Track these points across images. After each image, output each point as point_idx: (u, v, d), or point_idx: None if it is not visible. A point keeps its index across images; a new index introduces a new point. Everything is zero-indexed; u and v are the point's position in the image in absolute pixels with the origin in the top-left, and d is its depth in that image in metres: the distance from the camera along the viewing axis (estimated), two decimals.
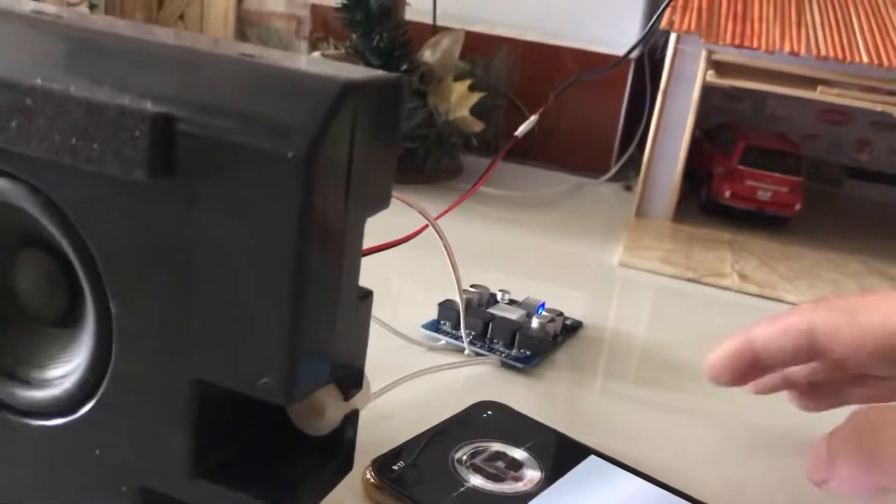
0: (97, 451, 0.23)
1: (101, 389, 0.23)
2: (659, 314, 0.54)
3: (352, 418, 0.25)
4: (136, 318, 0.22)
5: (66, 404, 0.23)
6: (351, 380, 0.24)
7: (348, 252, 0.21)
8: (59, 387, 0.23)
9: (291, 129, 0.19)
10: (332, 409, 0.24)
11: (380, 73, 0.21)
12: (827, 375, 0.35)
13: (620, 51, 0.71)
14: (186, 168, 0.20)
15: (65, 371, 0.24)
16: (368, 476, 0.29)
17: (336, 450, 0.25)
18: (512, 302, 0.46)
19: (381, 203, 0.23)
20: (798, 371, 0.36)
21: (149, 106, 0.20)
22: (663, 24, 0.64)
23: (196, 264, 0.20)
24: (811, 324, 0.31)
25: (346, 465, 0.25)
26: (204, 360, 0.21)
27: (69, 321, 0.24)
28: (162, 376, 0.22)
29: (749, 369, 0.33)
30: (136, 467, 0.23)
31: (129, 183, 0.20)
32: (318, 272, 0.20)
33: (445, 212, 0.49)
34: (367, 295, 0.24)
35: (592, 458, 0.32)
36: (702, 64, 0.65)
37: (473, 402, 0.35)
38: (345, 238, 0.21)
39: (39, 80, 0.20)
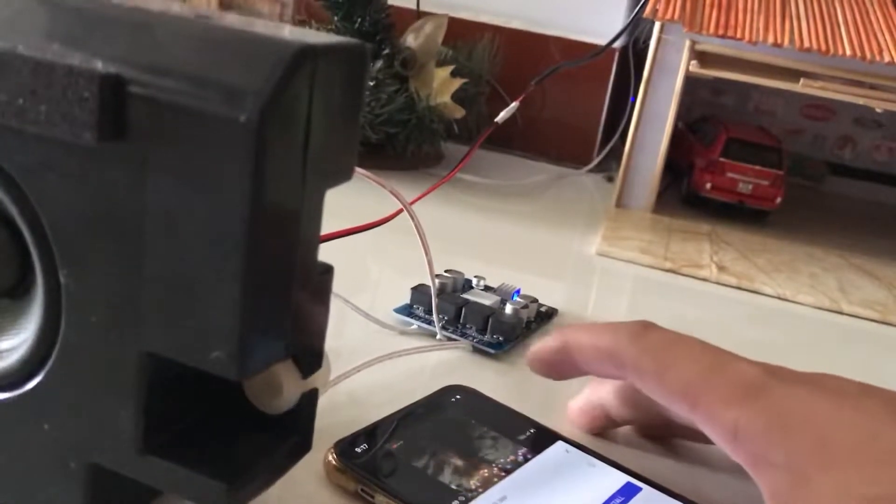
0: (45, 427, 0.22)
1: (50, 362, 0.22)
2: (636, 304, 0.54)
3: (310, 397, 0.24)
4: (85, 289, 0.21)
5: (14, 377, 0.23)
6: (310, 358, 0.24)
7: (305, 224, 0.21)
8: (7, 359, 0.23)
9: (244, 92, 0.18)
10: (290, 387, 0.23)
11: (342, 38, 0.21)
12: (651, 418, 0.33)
13: (605, 40, 0.70)
14: (137, 131, 0.19)
15: (13, 343, 0.23)
16: (330, 458, 0.29)
17: (293, 429, 0.24)
18: (487, 288, 0.46)
19: (343, 175, 0.22)
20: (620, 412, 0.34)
21: (99, 66, 0.19)
22: (647, 12, 0.63)
23: (146, 232, 0.20)
24: (622, 361, 0.30)
25: (304, 446, 0.24)
26: (154, 333, 0.20)
27: (19, 292, 0.23)
28: (111, 349, 0.21)
29: (564, 367, 0.32)
30: (85, 443, 0.22)
31: (79, 147, 0.19)
32: (271, 243, 0.19)
33: (421, 196, 0.49)
34: (326, 271, 0.23)
35: (560, 443, 0.31)
36: (685, 54, 0.64)
37: (443, 386, 0.35)
38: (301, 209, 0.20)
39: None
